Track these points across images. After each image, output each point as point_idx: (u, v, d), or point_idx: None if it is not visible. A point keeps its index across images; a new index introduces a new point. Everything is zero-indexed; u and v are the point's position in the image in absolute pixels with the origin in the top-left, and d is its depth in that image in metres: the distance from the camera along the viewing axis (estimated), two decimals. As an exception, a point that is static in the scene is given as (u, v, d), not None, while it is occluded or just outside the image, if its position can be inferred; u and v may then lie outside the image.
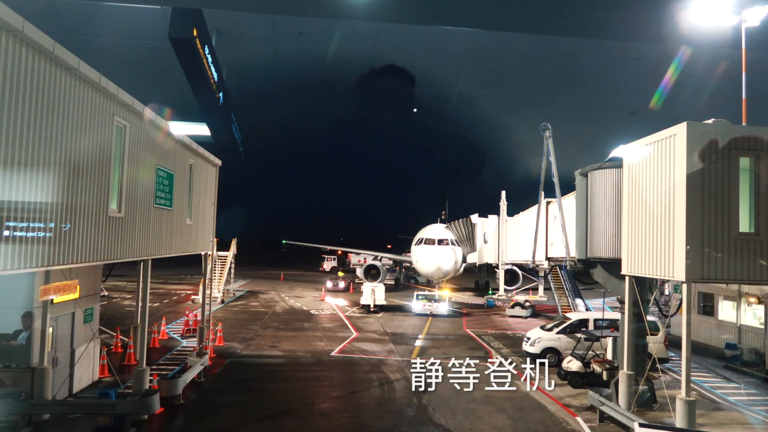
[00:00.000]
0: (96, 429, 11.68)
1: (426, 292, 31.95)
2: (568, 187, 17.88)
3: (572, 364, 16.93)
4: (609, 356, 16.84)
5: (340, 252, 68.45)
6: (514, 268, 35.95)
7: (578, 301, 29.38)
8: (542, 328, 20.55)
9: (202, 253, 19.63)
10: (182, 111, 38.04)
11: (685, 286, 11.36)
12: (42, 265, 8.88)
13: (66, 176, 9.45)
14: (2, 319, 12.55)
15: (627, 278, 13.74)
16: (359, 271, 42.73)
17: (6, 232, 7.85)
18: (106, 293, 28.69)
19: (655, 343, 15.23)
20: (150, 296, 15.38)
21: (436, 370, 14.16)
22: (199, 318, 21.64)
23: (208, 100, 37.21)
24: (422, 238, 37.02)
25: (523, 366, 14.47)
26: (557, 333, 19.53)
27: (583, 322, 19.56)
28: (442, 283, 38.81)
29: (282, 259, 71.85)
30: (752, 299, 20.51)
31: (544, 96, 46.70)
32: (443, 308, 30.90)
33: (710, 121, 11.98)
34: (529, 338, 20.02)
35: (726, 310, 22.11)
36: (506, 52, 40.16)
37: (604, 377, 15.47)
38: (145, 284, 13.93)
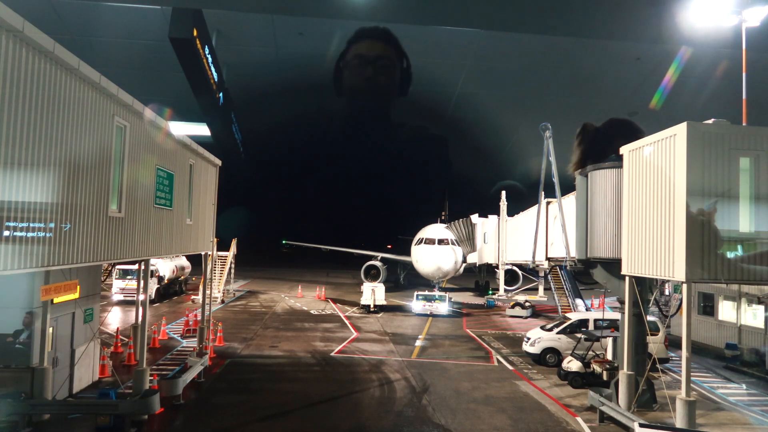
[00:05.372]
0: (96, 429, 11.68)
1: (426, 292, 31.93)
2: (568, 187, 17.89)
3: (572, 364, 16.93)
4: (609, 356, 16.85)
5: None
6: (514, 268, 35.95)
7: (578, 301, 29.37)
8: (542, 328, 20.55)
9: (202, 253, 19.63)
10: (182, 111, 38.11)
11: (685, 286, 11.36)
12: (42, 265, 8.88)
13: (66, 176, 9.45)
14: (2, 319, 12.55)
15: (627, 278, 13.74)
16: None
17: (6, 232, 7.85)
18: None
19: (655, 344, 15.24)
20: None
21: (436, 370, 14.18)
22: (199, 318, 21.64)
23: (208, 100, 37.30)
24: (422, 238, 37.02)
25: (525, 369, 14.46)
26: (557, 333, 19.52)
27: (583, 322, 19.56)
28: (443, 283, 38.80)
29: (282, 259, 71.77)
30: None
31: (544, 96, 46.74)
32: (443, 308, 30.90)
33: (710, 121, 11.98)
34: (529, 338, 20.02)
35: (726, 310, 22.10)
36: (506, 52, 40.19)
37: (604, 377, 15.47)
38: (145, 284, 13.96)
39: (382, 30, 39.30)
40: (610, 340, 16.85)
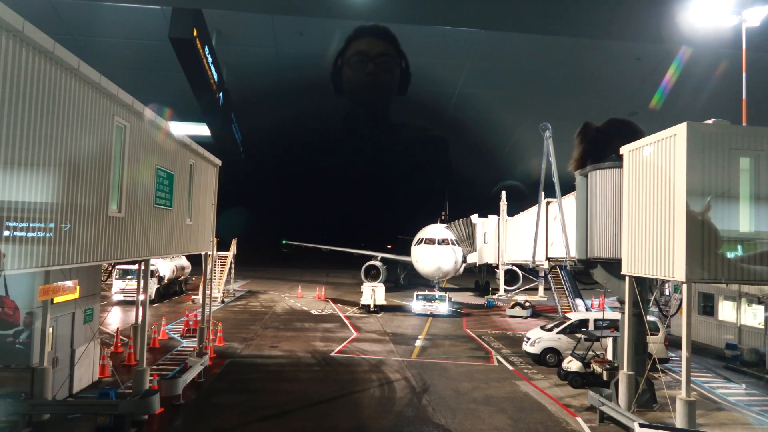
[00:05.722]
0: (96, 429, 11.68)
1: (426, 292, 31.95)
2: (568, 187, 17.88)
3: (572, 365, 16.93)
4: (609, 356, 16.84)
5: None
6: (514, 268, 35.96)
7: (578, 301, 29.37)
8: (542, 328, 20.55)
9: (202, 253, 19.63)
10: (182, 111, 38.10)
11: (685, 286, 11.36)
12: (42, 265, 8.89)
13: (66, 176, 9.45)
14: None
15: (627, 278, 13.74)
16: None
17: (6, 232, 7.85)
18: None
19: (655, 344, 15.23)
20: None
21: (436, 370, 14.13)
22: (199, 318, 21.64)
23: (208, 100, 37.27)
24: (422, 238, 37.02)
25: (525, 369, 14.45)
26: (557, 333, 19.52)
27: (583, 322, 19.56)
28: (443, 283, 38.74)
29: (282, 259, 71.82)
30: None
31: (544, 96, 46.72)
32: (443, 308, 30.90)
33: (710, 121, 11.99)
34: (529, 338, 20.02)
35: (726, 310, 22.11)
36: (506, 52, 40.16)
37: (604, 377, 15.46)
38: (145, 284, 13.96)
39: (380, 29, 39.36)
40: (610, 340, 16.84)
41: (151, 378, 14.28)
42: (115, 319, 25.80)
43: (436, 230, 38.06)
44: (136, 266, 23.46)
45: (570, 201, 17.53)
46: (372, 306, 31.47)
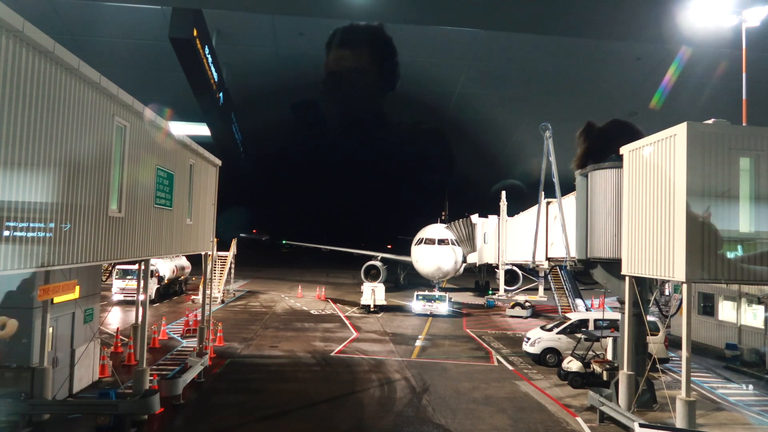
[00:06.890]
0: (96, 429, 11.68)
1: (426, 292, 31.95)
2: (568, 187, 17.89)
3: (572, 365, 16.93)
4: (609, 356, 16.85)
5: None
6: (514, 268, 35.95)
7: (578, 301, 29.37)
8: (542, 328, 20.55)
9: (202, 253, 19.63)
10: (182, 111, 38.07)
11: (685, 286, 11.36)
12: (42, 265, 8.88)
13: (66, 176, 9.45)
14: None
15: (627, 278, 13.74)
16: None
17: (6, 232, 7.85)
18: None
19: (655, 344, 15.24)
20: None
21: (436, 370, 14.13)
22: (199, 318, 21.64)
23: (208, 100, 37.24)
24: (422, 238, 37.02)
25: (525, 369, 14.45)
26: (557, 333, 19.52)
27: (583, 323, 19.56)
28: (443, 283, 38.71)
29: (282, 259, 71.83)
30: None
31: (544, 96, 46.72)
32: (443, 308, 30.90)
33: (710, 121, 11.99)
34: (529, 338, 20.02)
35: (726, 310, 22.10)
36: (506, 52, 40.16)
37: (604, 377, 15.47)
38: (145, 284, 13.95)
39: (355, 32, 39.13)
40: (610, 340, 16.85)
41: (151, 378, 14.28)
42: (115, 319, 25.81)
43: (436, 230, 38.05)
44: (136, 266, 23.47)
45: (570, 201, 17.53)
46: (372, 306, 31.46)
